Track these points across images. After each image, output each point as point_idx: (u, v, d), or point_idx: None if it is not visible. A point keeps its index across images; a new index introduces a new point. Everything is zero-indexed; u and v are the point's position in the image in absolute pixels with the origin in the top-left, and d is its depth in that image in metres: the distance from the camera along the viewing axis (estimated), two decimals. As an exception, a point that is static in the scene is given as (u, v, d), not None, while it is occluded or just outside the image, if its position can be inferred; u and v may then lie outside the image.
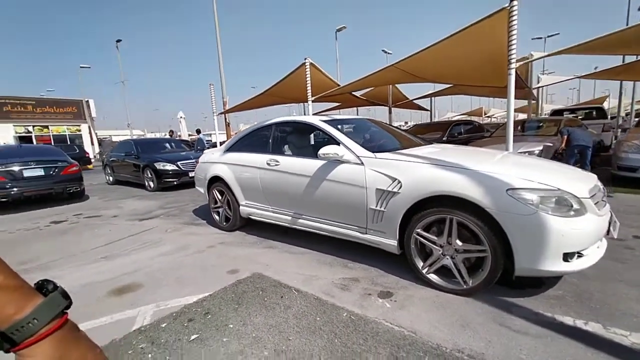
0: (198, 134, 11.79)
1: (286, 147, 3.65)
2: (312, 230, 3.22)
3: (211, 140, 16.62)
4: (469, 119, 18.26)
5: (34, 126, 21.29)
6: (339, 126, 3.30)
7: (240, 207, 3.90)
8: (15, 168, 6.23)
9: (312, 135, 4.16)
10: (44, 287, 0.47)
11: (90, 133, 23.96)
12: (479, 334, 1.86)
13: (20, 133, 20.56)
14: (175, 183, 7.70)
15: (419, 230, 2.39)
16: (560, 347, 1.70)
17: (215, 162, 4.23)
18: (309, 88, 5.83)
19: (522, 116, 12.18)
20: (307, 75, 5.72)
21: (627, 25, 4.28)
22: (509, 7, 3.37)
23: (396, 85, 9.70)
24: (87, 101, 23.76)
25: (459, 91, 9.78)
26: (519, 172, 2.21)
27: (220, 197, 4.19)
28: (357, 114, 14.29)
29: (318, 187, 3.00)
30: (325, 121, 3.32)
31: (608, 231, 2.21)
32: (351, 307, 2.20)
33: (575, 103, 28.08)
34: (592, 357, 1.62)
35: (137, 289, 2.68)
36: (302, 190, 3.14)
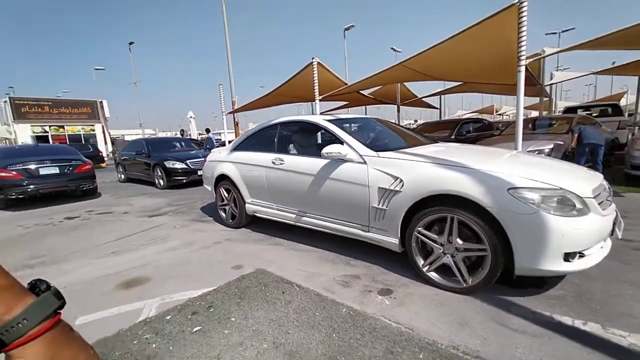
0: (207, 133, 11.99)
1: (291, 146, 3.69)
2: (315, 228, 3.26)
3: (220, 139, 16.80)
4: (479, 117, 17.98)
5: (50, 126, 21.89)
6: (343, 125, 3.32)
7: (246, 205, 3.97)
8: (32, 166, 6.47)
9: (317, 135, 4.19)
10: (37, 287, 0.46)
11: (103, 132, 24.49)
12: (476, 331, 1.87)
13: (37, 133, 21.17)
14: (184, 181, 7.84)
15: (420, 228, 2.40)
16: (556, 346, 1.70)
17: (222, 160, 4.30)
18: (316, 87, 5.85)
19: (534, 114, 11.92)
20: (315, 75, 5.75)
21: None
22: (518, 3, 3.34)
23: (404, 83, 9.65)
24: (101, 102, 24.29)
25: (469, 89, 9.67)
26: (522, 171, 2.20)
27: (226, 195, 4.27)
28: (365, 113, 14.27)
29: (322, 185, 3.03)
30: (329, 120, 3.35)
31: (613, 231, 2.18)
32: (351, 303, 2.23)
33: (591, 100, 27.32)
34: (588, 357, 1.62)
35: (144, 282, 2.77)
36: (306, 188, 3.18)
